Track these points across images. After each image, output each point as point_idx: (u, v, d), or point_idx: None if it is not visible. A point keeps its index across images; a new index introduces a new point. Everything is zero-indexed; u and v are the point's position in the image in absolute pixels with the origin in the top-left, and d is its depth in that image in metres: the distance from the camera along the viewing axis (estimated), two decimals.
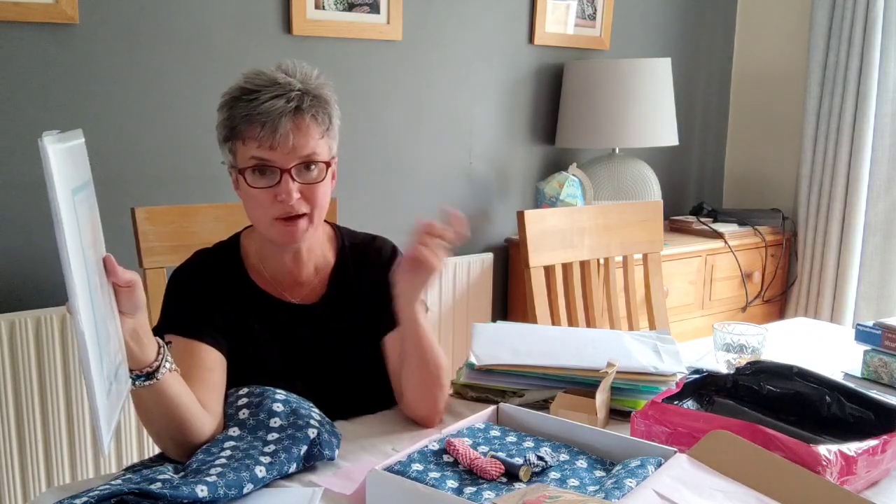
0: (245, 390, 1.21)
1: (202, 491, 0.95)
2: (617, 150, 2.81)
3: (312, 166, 1.22)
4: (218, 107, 1.24)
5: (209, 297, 1.26)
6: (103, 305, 0.88)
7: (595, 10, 2.89)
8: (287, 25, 2.25)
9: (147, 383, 1.02)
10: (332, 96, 1.26)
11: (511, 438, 1.12)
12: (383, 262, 1.35)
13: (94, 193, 0.94)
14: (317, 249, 1.34)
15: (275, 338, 1.29)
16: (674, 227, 3.10)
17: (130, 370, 1.00)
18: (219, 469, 1.01)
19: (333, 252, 1.37)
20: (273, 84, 1.20)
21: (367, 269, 1.35)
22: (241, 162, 1.22)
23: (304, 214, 1.23)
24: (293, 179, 1.20)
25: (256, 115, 1.17)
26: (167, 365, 1.04)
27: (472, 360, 1.38)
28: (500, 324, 1.61)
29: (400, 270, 1.21)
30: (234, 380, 1.24)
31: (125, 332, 0.97)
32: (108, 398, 0.83)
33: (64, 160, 0.78)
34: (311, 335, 1.31)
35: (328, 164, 1.25)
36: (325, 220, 1.34)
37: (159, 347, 1.04)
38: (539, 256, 1.96)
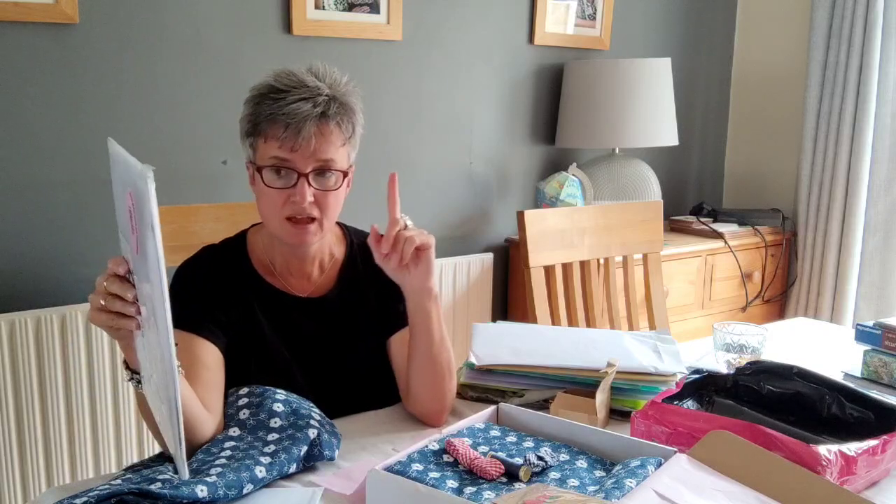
0: (245, 390, 1.21)
1: (202, 491, 0.96)
2: (617, 150, 2.81)
3: (329, 173, 1.23)
4: (244, 101, 1.25)
5: (213, 292, 1.26)
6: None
7: (595, 10, 2.89)
8: (287, 25, 2.25)
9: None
10: (359, 104, 1.27)
11: (511, 438, 1.12)
12: None
13: None
14: (325, 248, 1.35)
15: (280, 331, 1.30)
16: (674, 227, 3.10)
17: (134, 372, 1.00)
18: (219, 469, 1.01)
19: (343, 249, 1.38)
20: (301, 86, 1.20)
21: (376, 268, 1.35)
22: (260, 159, 1.23)
23: (314, 218, 1.23)
24: (309, 184, 1.21)
25: (281, 114, 1.18)
26: None
27: (472, 360, 1.38)
28: (500, 324, 1.60)
29: (400, 268, 1.20)
30: (239, 373, 1.24)
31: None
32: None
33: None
34: (317, 329, 1.32)
35: (345, 174, 1.26)
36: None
37: None
38: (539, 256, 1.96)
